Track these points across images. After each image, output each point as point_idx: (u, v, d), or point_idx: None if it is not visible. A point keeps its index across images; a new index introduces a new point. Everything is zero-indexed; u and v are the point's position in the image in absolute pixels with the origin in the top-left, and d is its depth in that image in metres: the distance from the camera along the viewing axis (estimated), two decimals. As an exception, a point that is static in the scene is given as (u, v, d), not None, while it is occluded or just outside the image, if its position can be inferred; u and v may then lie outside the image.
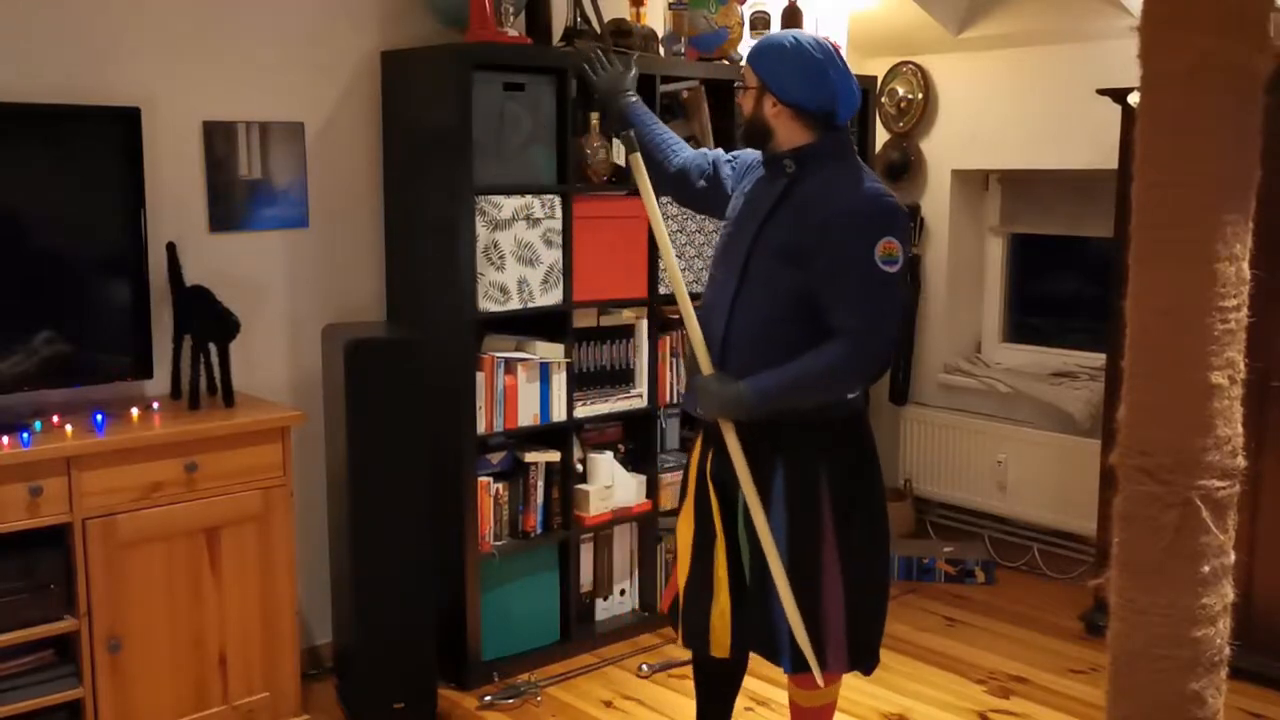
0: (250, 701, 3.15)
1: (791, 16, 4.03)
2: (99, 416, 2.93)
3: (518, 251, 3.53)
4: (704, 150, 2.92)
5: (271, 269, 3.51)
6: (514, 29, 3.54)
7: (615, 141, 3.56)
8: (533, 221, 3.55)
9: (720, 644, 2.68)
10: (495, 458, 3.66)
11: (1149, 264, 1.57)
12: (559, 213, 3.61)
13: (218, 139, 3.36)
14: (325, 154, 3.57)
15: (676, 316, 2.72)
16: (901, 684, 3.68)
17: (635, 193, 2.78)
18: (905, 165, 4.98)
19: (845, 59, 2.62)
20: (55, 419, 2.94)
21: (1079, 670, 3.80)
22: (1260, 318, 1.65)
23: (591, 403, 3.79)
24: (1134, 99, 3.29)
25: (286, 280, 3.54)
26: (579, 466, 3.83)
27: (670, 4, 3.95)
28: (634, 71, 3.00)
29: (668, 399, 3.97)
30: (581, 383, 3.78)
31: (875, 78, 4.68)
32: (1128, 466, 1.59)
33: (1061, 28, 4.36)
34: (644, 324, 3.90)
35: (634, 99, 2.95)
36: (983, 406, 4.88)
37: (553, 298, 3.63)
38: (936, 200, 4.96)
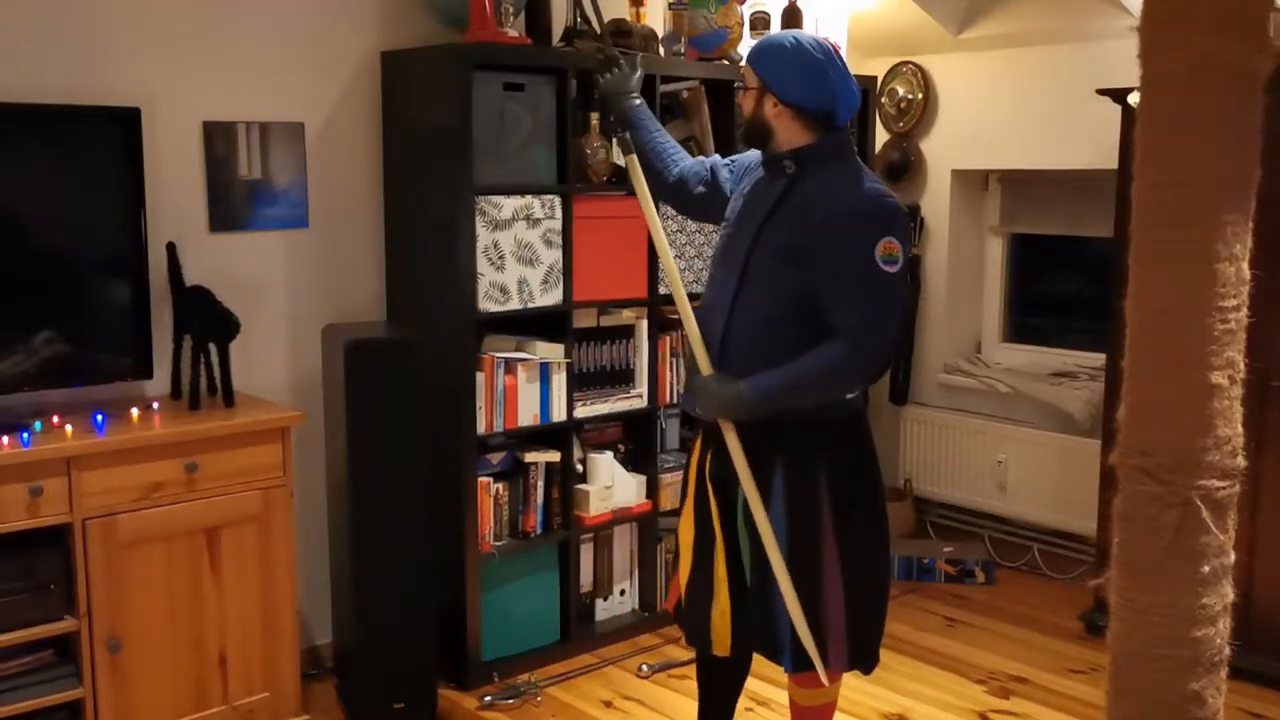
0: (250, 701, 3.15)
1: (791, 16, 4.03)
2: (99, 416, 2.93)
3: (518, 251, 3.53)
4: (701, 158, 2.92)
5: (271, 269, 3.51)
6: (514, 29, 3.54)
7: (614, 141, 3.56)
8: (533, 221, 3.55)
9: (722, 643, 2.68)
10: (495, 458, 3.66)
11: (1149, 264, 1.57)
12: (559, 213, 3.61)
13: (218, 139, 3.36)
14: (325, 154, 3.57)
15: (676, 316, 2.72)
16: (901, 684, 3.68)
17: (635, 193, 2.77)
18: (905, 165, 4.98)
19: (845, 59, 2.63)
20: (55, 419, 2.94)
21: (1079, 670, 3.80)
22: (1260, 318, 1.65)
23: (591, 403, 3.80)
24: (1134, 99, 3.29)
25: (286, 280, 3.54)
26: (579, 466, 3.83)
27: (670, 4, 3.95)
28: (639, 73, 2.99)
29: (668, 399, 3.97)
30: (581, 383, 3.78)
31: (875, 78, 4.68)
32: (1128, 466, 1.59)
33: (1061, 28, 4.36)
34: (644, 324, 3.90)
35: (638, 102, 2.93)
36: (983, 406, 4.88)
37: (553, 298, 3.63)
38: (936, 200, 4.96)
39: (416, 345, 3.28)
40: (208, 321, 3.18)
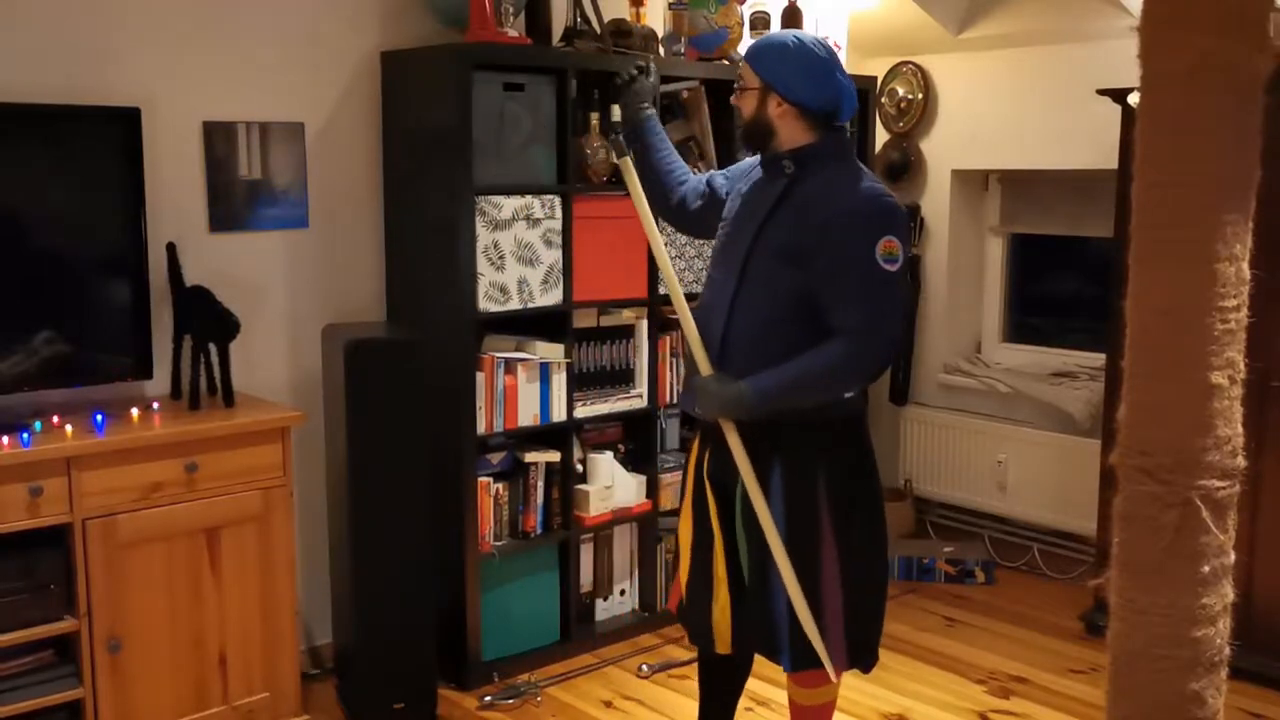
0: (250, 701, 3.15)
1: (791, 16, 4.03)
2: (99, 417, 2.93)
3: (518, 251, 3.53)
4: (699, 175, 2.90)
5: (271, 269, 3.51)
6: (514, 29, 3.54)
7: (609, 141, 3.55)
8: (533, 222, 3.55)
9: (724, 641, 2.69)
10: (495, 458, 3.66)
11: (1149, 264, 1.57)
12: (559, 213, 3.61)
13: (218, 139, 3.36)
14: (325, 154, 3.57)
15: (676, 316, 2.71)
16: (901, 684, 3.68)
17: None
18: (905, 165, 4.98)
19: (841, 59, 2.62)
20: (55, 419, 2.94)
21: (1079, 670, 3.80)
22: (1260, 318, 1.65)
23: (591, 403, 3.80)
24: (1134, 99, 3.29)
25: (286, 280, 3.54)
26: (579, 467, 3.83)
27: (670, 4, 3.95)
28: (655, 79, 2.95)
29: (668, 399, 3.97)
30: (581, 383, 3.78)
31: (875, 78, 4.68)
32: (1128, 466, 1.59)
33: (1061, 28, 4.36)
34: (644, 324, 3.90)
35: (651, 113, 2.90)
36: (983, 406, 4.88)
37: (553, 298, 3.63)
38: (936, 200, 4.96)
39: (416, 345, 3.28)
40: (208, 321, 3.18)
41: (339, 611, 3.51)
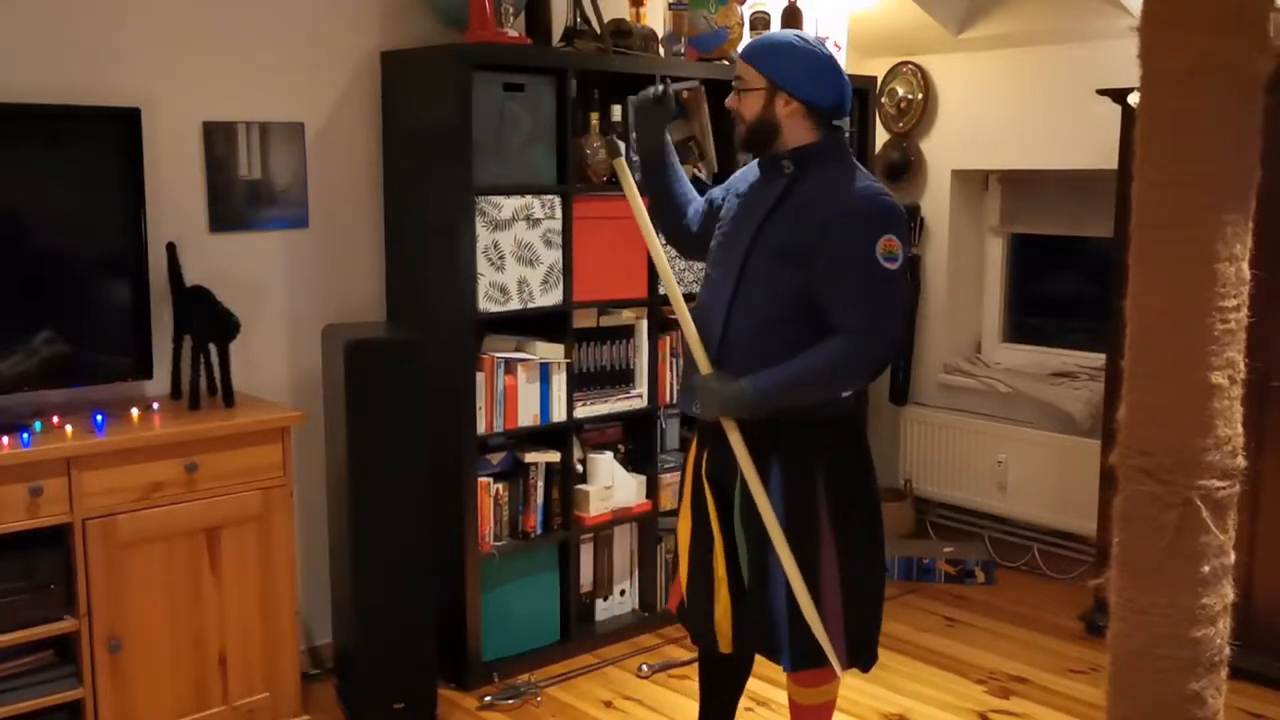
0: (250, 701, 3.15)
1: (791, 16, 4.03)
2: (99, 417, 2.93)
3: (518, 252, 3.53)
4: (699, 199, 2.87)
5: (271, 269, 3.51)
6: (514, 29, 3.54)
7: (606, 141, 3.53)
8: (533, 222, 3.55)
9: (725, 640, 2.69)
10: (495, 458, 3.66)
11: (1149, 264, 1.57)
12: (559, 213, 3.61)
13: (218, 139, 3.36)
14: (325, 154, 3.57)
15: (675, 316, 2.70)
16: (901, 684, 3.68)
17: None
18: (905, 165, 4.98)
19: (840, 59, 2.62)
20: (55, 419, 2.94)
21: (1079, 670, 3.80)
22: (1260, 318, 1.65)
23: (591, 403, 3.79)
24: (1134, 99, 3.28)
25: (286, 280, 3.54)
26: (579, 467, 3.83)
27: (670, 4, 3.95)
28: (671, 104, 2.79)
29: (668, 399, 3.97)
30: (581, 383, 3.78)
31: (875, 78, 4.68)
32: (1128, 466, 1.60)
33: (1061, 28, 4.36)
34: (644, 324, 3.90)
35: (668, 140, 2.82)
36: (983, 406, 4.88)
37: (553, 298, 3.63)
38: (936, 200, 4.96)
39: (416, 345, 3.28)
40: (208, 321, 3.18)
41: (339, 611, 3.51)
